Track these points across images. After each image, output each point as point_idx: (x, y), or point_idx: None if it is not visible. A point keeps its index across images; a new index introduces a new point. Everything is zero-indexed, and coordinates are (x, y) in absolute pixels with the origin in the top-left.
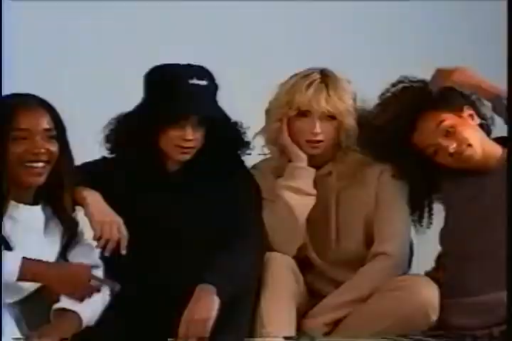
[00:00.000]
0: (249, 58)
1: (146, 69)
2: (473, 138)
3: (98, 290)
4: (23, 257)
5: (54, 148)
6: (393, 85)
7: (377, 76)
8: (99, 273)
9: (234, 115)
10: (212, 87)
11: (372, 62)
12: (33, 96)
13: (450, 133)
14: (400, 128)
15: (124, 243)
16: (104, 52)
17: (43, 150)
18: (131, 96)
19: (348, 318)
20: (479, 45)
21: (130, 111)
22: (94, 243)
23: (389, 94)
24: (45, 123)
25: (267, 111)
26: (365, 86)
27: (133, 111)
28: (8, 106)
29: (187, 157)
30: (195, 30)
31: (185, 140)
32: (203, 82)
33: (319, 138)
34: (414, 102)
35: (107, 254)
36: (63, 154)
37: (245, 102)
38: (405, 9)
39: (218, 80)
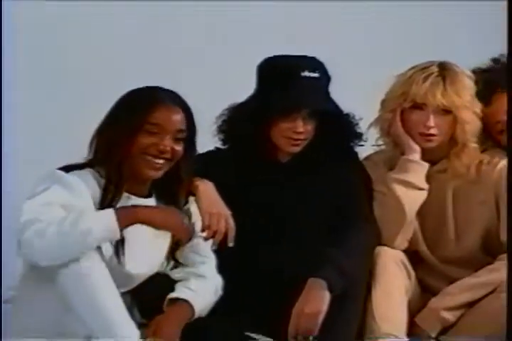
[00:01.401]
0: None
1: (146, 69)
2: None
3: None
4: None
5: (179, 147)
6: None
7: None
8: (211, 266)
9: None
10: (325, 78)
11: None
12: (174, 93)
13: None
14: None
15: (231, 235)
16: (105, 51)
17: (168, 149)
18: None
19: (460, 321)
20: (479, 44)
21: (243, 102)
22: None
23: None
24: (179, 123)
25: (382, 102)
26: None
27: (245, 102)
28: (149, 99)
29: (297, 149)
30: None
31: (295, 132)
32: (315, 74)
33: (432, 131)
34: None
35: (214, 246)
36: (187, 153)
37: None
38: (404, 9)
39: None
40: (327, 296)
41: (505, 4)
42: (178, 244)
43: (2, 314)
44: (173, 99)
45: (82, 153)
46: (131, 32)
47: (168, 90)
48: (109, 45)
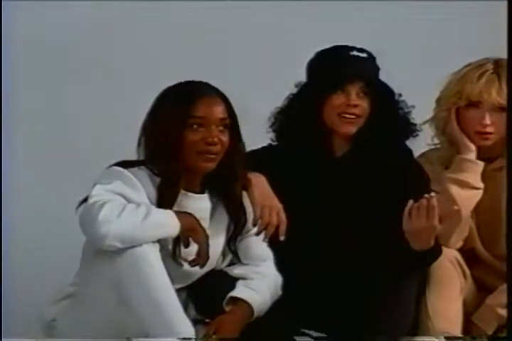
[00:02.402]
0: None
1: (146, 70)
2: None
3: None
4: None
5: (225, 137)
6: None
7: None
8: (271, 264)
9: None
10: (374, 61)
11: None
12: (210, 85)
13: None
14: None
15: (282, 228)
16: (104, 51)
17: (216, 140)
18: (136, 99)
19: None
20: (478, 45)
21: (292, 93)
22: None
23: None
24: (220, 112)
25: (438, 100)
26: None
27: (295, 92)
28: (189, 94)
29: (353, 129)
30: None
31: (350, 105)
32: (364, 55)
33: (489, 129)
34: None
35: (265, 240)
36: (235, 143)
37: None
38: (403, 10)
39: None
40: None
41: (505, 4)
42: (236, 234)
43: (2, 314)
44: (210, 90)
45: (81, 152)
46: (131, 31)
47: (202, 82)
48: (110, 44)
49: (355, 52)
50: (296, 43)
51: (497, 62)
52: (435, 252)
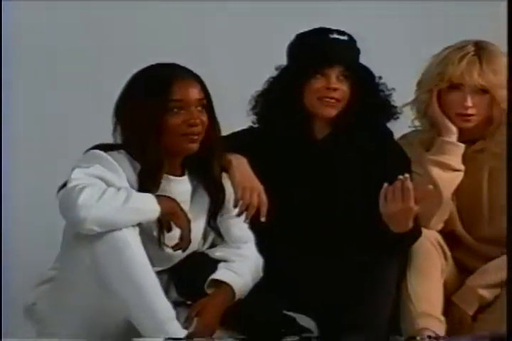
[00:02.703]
0: None
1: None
2: None
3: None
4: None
5: (205, 117)
6: None
7: None
8: (252, 246)
9: None
10: (354, 44)
11: None
12: (182, 66)
13: None
14: None
15: (263, 210)
16: (104, 51)
17: (198, 121)
18: None
19: (497, 300)
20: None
21: (273, 76)
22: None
23: None
24: (197, 93)
25: (418, 83)
26: None
27: (275, 76)
28: (164, 77)
29: (333, 112)
30: None
31: (329, 89)
32: (344, 37)
33: (470, 111)
34: None
35: (246, 221)
36: (212, 123)
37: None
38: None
39: None
40: None
41: (505, 4)
42: (215, 213)
43: (2, 314)
44: (183, 72)
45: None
46: (130, 30)
47: (174, 64)
48: (110, 44)
49: (335, 35)
50: (277, 25)
51: (477, 45)
52: (414, 234)
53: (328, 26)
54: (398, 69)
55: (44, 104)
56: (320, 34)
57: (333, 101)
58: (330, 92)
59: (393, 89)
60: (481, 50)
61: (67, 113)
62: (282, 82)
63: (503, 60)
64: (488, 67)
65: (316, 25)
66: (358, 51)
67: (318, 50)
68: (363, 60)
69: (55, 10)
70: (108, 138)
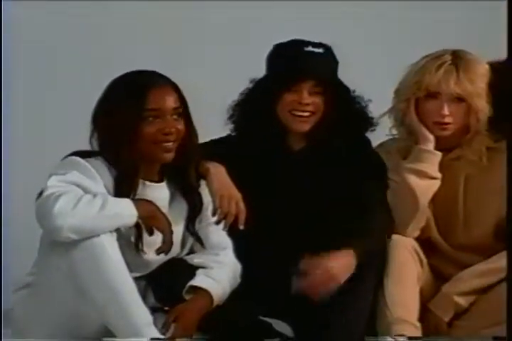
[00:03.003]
0: None
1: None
2: None
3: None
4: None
5: (181, 126)
6: None
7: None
8: (230, 252)
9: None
10: (331, 57)
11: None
12: (159, 74)
13: None
14: None
15: (242, 217)
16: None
17: (173, 130)
18: None
19: (473, 307)
20: (478, 44)
21: (248, 88)
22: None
23: None
24: (173, 101)
25: (396, 92)
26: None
27: (250, 88)
28: (140, 86)
29: (305, 126)
30: None
31: (301, 104)
32: (319, 50)
33: (447, 120)
34: None
35: (225, 229)
36: (188, 130)
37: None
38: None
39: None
40: (353, 264)
41: (505, 4)
42: (193, 219)
43: (2, 314)
44: (160, 80)
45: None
46: (132, 32)
47: (151, 72)
48: (109, 43)
49: (310, 48)
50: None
51: (455, 54)
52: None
53: (304, 36)
54: (375, 79)
55: (44, 104)
56: (295, 46)
57: (306, 114)
58: (302, 106)
59: (370, 100)
60: (458, 59)
61: (67, 113)
62: (256, 94)
63: (480, 69)
64: (465, 76)
65: (293, 35)
66: (334, 63)
67: (292, 64)
68: (340, 69)
69: (55, 9)
70: None
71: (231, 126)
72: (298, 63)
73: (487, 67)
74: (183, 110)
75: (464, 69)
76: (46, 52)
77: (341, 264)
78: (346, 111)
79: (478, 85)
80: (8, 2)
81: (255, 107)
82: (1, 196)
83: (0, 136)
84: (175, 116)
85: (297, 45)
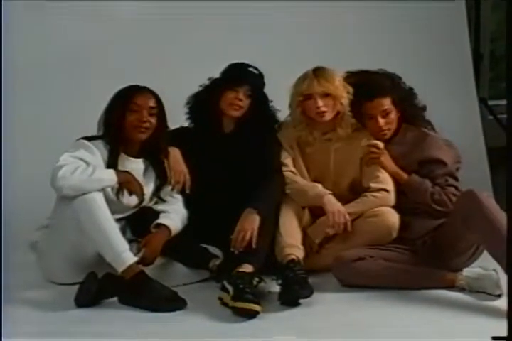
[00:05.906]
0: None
1: (145, 70)
2: None
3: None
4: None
5: (153, 120)
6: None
7: None
8: (180, 204)
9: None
10: (261, 77)
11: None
12: (145, 86)
13: None
14: None
15: (187, 185)
16: (104, 53)
17: (146, 119)
18: None
19: (338, 235)
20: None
21: (204, 84)
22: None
23: None
24: (151, 102)
25: (290, 102)
26: None
27: (208, 83)
28: (129, 90)
29: (237, 113)
30: None
31: (237, 99)
32: (256, 72)
33: (323, 109)
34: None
35: (177, 192)
36: (161, 126)
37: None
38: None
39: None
40: (257, 219)
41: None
42: (161, 185)
43: (2, 314)
44: (145, 89)
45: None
46: (132, 32)
47: (141, 86)
48: (110, 46)
49: (251, 69)
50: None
51: (315, 69)
52: None
53: (244, 55)
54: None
55: (44, 104)
56: (242, 66)
57: (237, 107)
58: (237, 101)
59: (279, 110)
60: (316, 71)
61: (67, 112)
62: (208, 90)
63: (333, 72)
64: (323, 79)
65: (235, 56)
66: (262, 82)
67: (236, 75)
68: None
69: (55, 12)
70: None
71: (187, 110)
72: (240, 75)
73: (340, 73)
74: (158, 110)
75: (321, 75)
76: (46, 53)
77: (250, 221)
78: (263, 111)
79: (334, 82)
80: (8, 2)
81: (206, 97)
82: (0, 195)
83: (0, 133)
84: (151, 112)
85: (244, 66)
